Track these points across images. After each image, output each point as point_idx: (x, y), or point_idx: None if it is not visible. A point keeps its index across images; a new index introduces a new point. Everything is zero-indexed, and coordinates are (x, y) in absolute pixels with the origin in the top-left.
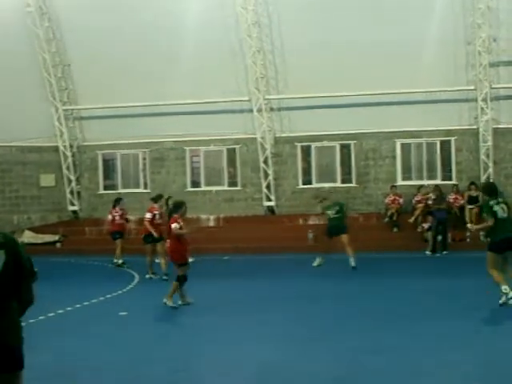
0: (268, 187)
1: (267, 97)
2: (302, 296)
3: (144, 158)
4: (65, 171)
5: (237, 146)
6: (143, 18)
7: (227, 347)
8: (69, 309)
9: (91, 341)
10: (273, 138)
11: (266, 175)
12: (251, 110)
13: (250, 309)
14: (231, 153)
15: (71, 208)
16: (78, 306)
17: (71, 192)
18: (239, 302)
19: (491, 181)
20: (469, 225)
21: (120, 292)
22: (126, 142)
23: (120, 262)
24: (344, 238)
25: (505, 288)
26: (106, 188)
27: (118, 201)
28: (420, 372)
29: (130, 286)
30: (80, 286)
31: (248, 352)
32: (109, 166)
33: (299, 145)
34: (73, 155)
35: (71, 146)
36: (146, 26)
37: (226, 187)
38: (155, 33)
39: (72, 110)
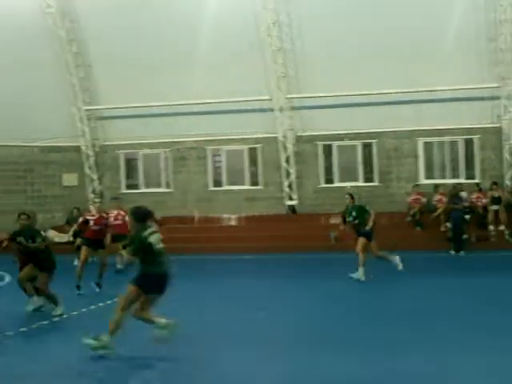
0: (290, 186)
1: (288, 96)
2: (323, 296)
3: (166, 158)
4: (87, 171)
5: (258, 146)
6: (164, 17)
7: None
8: (92, 307)
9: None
10: (294, 137)
11: (288, 174)
12: (272, 110)
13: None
14: (253, 152)
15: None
16: (101, 304)
17: (93, 191)
18: (258, 300)
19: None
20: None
21: None
22: (148, 141)
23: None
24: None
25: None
26: (127, 187)
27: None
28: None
29: None
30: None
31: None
32: (131, 166)
33: (320, 144)
34: (95, 155)
35: (93, 146)
36: (167, 26)
37: (247, 186)
38: (176, 32)
39: (94, 110)
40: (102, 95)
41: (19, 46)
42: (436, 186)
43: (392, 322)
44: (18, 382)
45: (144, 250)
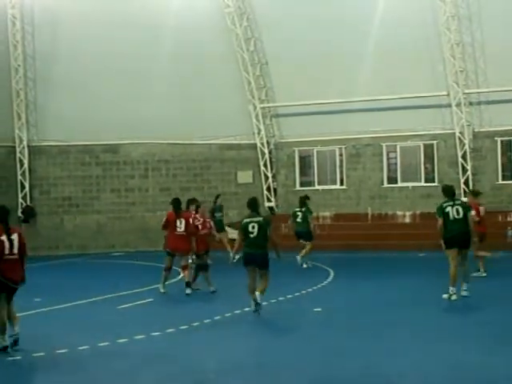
0: (466, 183)
1: (466, 91)
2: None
3: (340, 155)
4: (262, 168)
5: (434, 142)
6: (333, 14)
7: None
8: (264, 303)
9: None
10: (471, 133)
11: (464, 171)
12: (449, 105)
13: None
14: (428, 148)
15: (267, 204)
16: (273, 301)
17: (268, 188)
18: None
19: None
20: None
21: (315, 288)
22: (323, 138)
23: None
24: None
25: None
26: (302, 184)
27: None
28: None
29: (326, 282)
30: (275, 281)
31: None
32: (305, 163)
33: (499, 139)
34: (270, 152)
35: (268, 143)
36: (341, 23)
37: (422, 183)
38: (350, 30)
39: (269, 107)
40: (277, 93)
41: (197, 46)
42: None
43: None
44: None
45: None
